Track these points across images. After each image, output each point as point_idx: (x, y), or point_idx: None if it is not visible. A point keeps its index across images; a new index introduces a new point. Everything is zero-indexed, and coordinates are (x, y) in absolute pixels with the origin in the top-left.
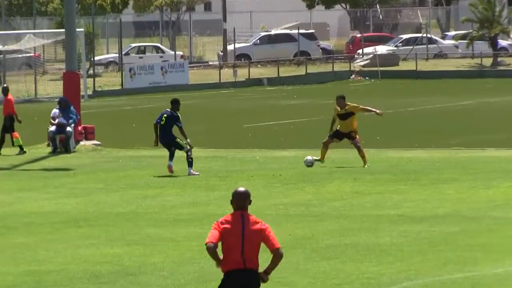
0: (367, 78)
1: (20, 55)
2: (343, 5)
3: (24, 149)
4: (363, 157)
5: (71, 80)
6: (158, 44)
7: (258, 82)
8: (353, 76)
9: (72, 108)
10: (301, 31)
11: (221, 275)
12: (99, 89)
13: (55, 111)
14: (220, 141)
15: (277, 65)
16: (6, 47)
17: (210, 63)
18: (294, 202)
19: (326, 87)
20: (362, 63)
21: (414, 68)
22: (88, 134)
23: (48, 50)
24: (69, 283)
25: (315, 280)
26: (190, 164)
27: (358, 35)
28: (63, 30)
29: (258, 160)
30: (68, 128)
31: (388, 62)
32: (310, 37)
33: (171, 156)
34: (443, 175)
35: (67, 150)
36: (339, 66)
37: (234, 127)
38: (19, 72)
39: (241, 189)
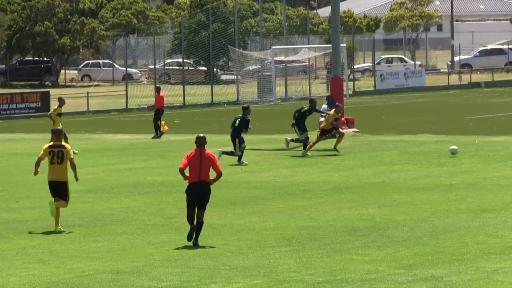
0: None
1: (297, 64)
2: None
3: (159, 135)
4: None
5: (336, 83)
6: (402, 56)
7: (477, 85)
8: None
9: (337, 103)
10: (510, 46)
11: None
12: (358, 89)
13: (324, 106)
14: (448, 129)
15: (491, 72)
16: (287, 58)
17: (441, 70)
18: (504, 176)
19: None
20: None
21: None
22: (349, 123)
23: (319, 60)
24: (334, 235)
25: None
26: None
27: None
28: (330, 45)
29: (477, 143)
30: None
31: None
32: None
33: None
34: None
35: (332, 136)
36: None
37: (458, 119)
38: (297, 77)
39: (201, 135)
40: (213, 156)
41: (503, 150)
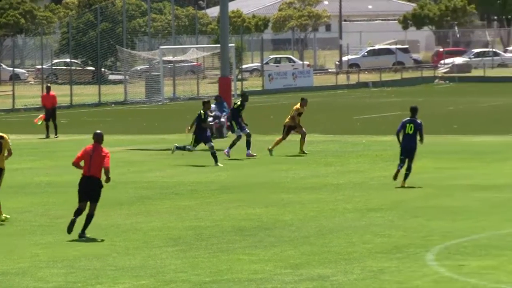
0: (447, 81)
1: (186, 64)
2: (430, 26)
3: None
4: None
5: (224, 83)
6: (290, 56)
7: (365, 85)
8: (436, 80)
9: (225, 103)
10: (398, 46)
11: None
12: (246, 89)
13: (213, 106)
14: (336, 128)
15: (379, 72)
16: (176, 58)
17: (329, 70)
18: (391, 175)
19: (416, 89)
20: (444, 70)
21: (483, 74)
22: None
23: (207, 60)
24: (221, 235)
25: (406, 233)
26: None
27: (441, 49)
28: (219, 45)
29: (365, 143)
30: (222, 119)
31: (463, 70)
32: (405, 51)
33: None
34: (503, 154)
35: (221, 135)
36: (427, 73)
37: (346, 118)
38: (185, 77)
39: (98, 131)
40: (105, 153)
41: (391, 149)
